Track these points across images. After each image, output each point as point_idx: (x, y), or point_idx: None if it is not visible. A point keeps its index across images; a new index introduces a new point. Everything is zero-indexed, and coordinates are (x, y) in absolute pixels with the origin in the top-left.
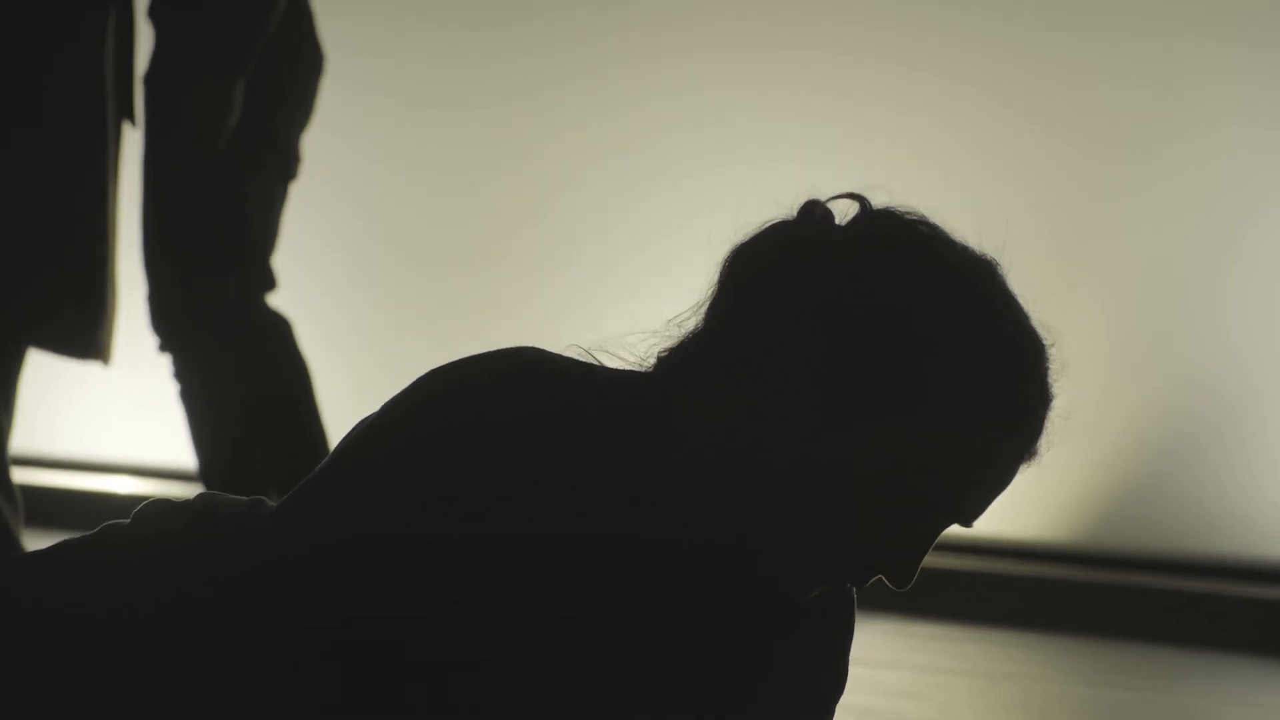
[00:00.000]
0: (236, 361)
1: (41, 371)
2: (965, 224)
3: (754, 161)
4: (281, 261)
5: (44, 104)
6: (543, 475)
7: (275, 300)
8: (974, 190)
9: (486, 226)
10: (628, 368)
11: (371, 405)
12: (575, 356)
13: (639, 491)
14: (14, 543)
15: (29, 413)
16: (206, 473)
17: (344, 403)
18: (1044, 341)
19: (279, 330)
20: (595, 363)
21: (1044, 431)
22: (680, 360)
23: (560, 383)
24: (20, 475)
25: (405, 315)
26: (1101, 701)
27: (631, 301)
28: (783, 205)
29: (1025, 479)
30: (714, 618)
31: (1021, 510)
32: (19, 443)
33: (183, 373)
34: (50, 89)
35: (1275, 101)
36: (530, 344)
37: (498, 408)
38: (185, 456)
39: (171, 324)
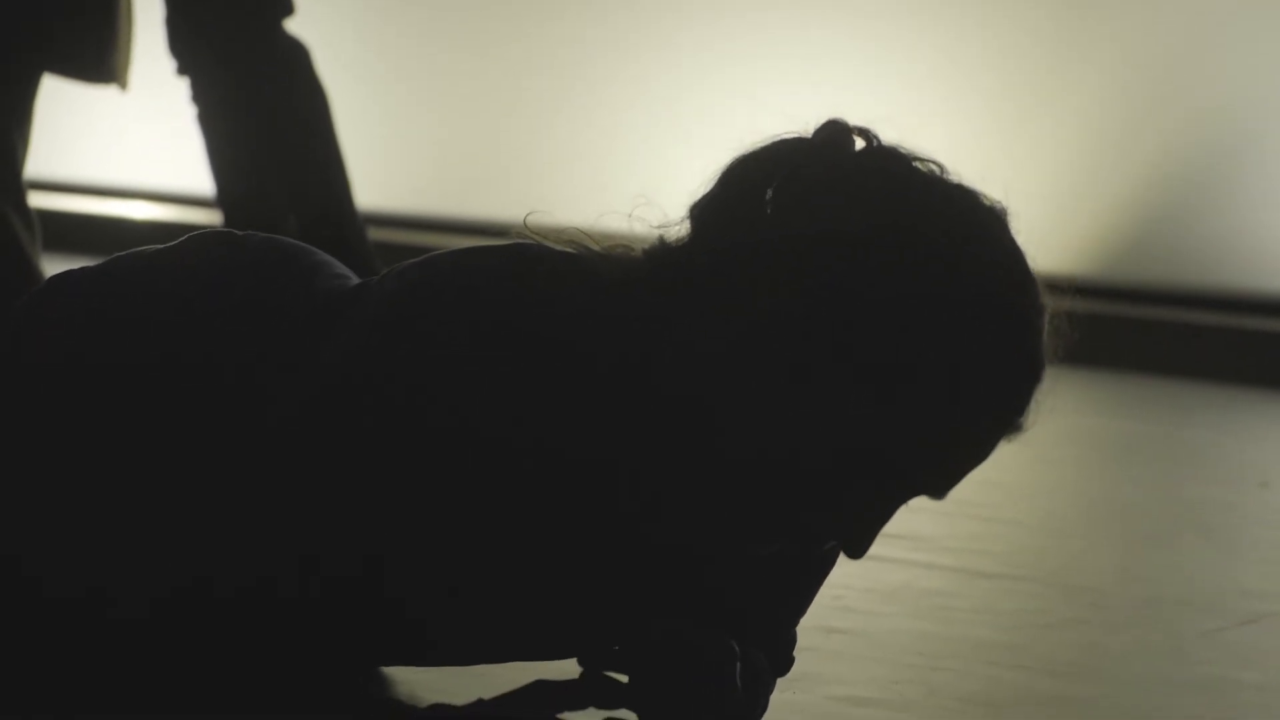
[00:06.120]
0: (254, 85)
1: (59, 95)
2: None
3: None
4: None
5: None
6: (540, 384)
7: (293, 26)
8: None
9: None
10: (623, 253)
11: (388, 133)
12: (570, 244)
13: (623, 408)
14: (31, 267)
15: (47, 137)
16: (224, 196)
17: (362, 128)
18: (1042, 305)
19: (297, 55)
20: (591, 251)
21: (1030, 406)
22: (670, 272)
23: (557, 293)
24: (37, 200)
25: (426, 41)
26: (1115, 432)
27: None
28: (795, 119)
29: (1044, 215)
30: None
31: (1039, 244)
32: (37, 167)
33: (201, 96)
34: None
35: None
36: (529, 241)
37: (506, 312)
38: (203, 181)
39: (189, 47)
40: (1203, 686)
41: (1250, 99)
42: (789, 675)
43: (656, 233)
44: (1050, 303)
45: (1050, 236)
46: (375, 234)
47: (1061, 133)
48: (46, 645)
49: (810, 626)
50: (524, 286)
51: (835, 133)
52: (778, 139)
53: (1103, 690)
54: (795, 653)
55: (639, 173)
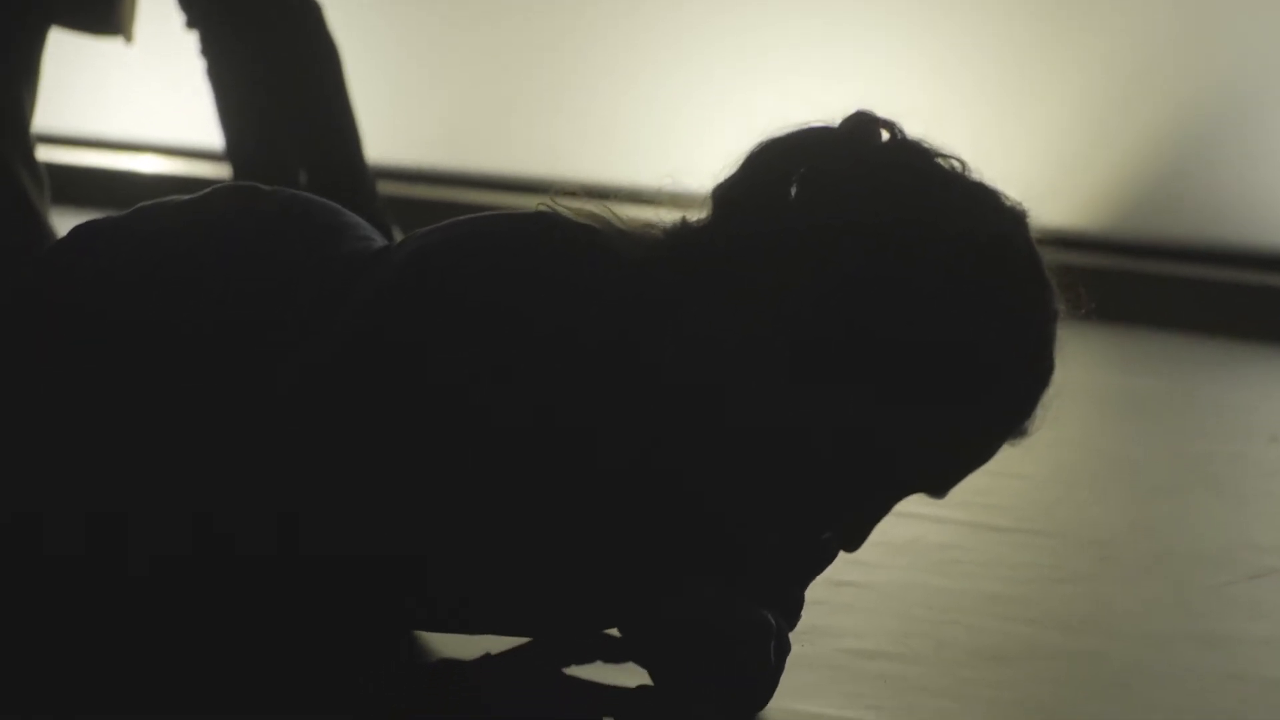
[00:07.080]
0: (264, 39)
1: (68, 49)
2: None
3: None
4: None
5: None
6: (539, 363)
7: None
8: None
9: None
10: (645, 231)
11: (397, 89)
12: (592, 219)
13: (622, 386)
14: (40, 221)
15: (55, 91)
16: (233, 151)
17: (372, 82)
18: (1056, 308)
19: (308, 9)
20: (612, 227)
21: (1037, 409)
22: (689, 252)
23: (574, 265)
24: (46, 153)
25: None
26: (1124, 387)
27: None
28: (819, 108)
29: (1054, 169)
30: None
31: (1050, 198)
32: (45, 121)
33: (210, 50)
34: None
35: None
36: (549, 209)
37: (515, 286)
38: (212, 135)
39: (199, 0)
40: (1211, 641)
41: (1262, 53)
42: (797, 629)
43: (679, 212)
44: (1063, 307)
45: (1060, 191)
46: (385, 188)
47: (1072, 86)
48: (50, 609)
49: (820, 580)
50: (537, 261)
51: (861, 124)
52: (804, 127)
53: (1112, 644)
54: (804, 609)
55: (651, 127)
